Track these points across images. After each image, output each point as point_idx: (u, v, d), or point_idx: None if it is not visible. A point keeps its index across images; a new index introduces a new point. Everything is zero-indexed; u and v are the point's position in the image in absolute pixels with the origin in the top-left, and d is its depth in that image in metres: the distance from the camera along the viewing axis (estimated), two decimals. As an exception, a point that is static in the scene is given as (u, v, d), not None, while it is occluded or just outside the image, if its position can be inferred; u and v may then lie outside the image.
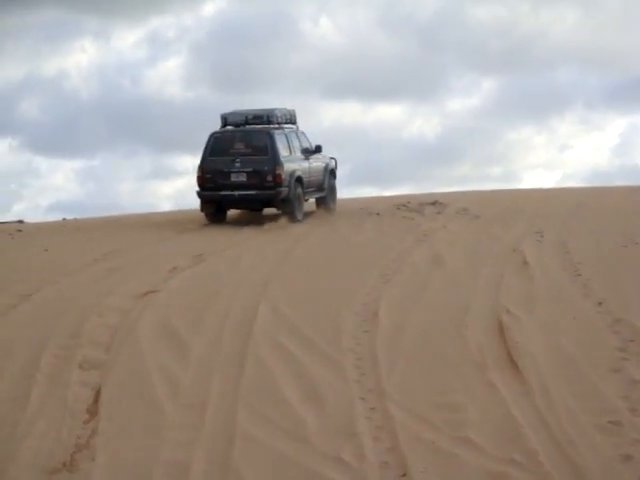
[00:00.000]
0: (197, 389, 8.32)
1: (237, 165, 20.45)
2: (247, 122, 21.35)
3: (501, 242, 15.84)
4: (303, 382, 8.39)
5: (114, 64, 62.89)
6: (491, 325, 10.03)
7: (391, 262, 14.06)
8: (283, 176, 20.27)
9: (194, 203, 21.13)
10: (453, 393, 7.99)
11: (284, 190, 20.30)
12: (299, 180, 20.87)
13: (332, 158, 23.45)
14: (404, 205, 22.03)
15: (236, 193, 20.44)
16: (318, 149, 22.29)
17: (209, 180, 20.52)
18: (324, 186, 22.53)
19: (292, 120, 22.20)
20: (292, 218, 20.36)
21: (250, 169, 20.35)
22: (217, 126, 21.45)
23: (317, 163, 22.37)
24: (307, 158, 21.82)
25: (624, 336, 9.38)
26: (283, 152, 20.66)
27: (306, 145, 22.10)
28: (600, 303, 10.81)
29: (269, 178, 20.23)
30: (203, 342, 9.73)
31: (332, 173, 23.23)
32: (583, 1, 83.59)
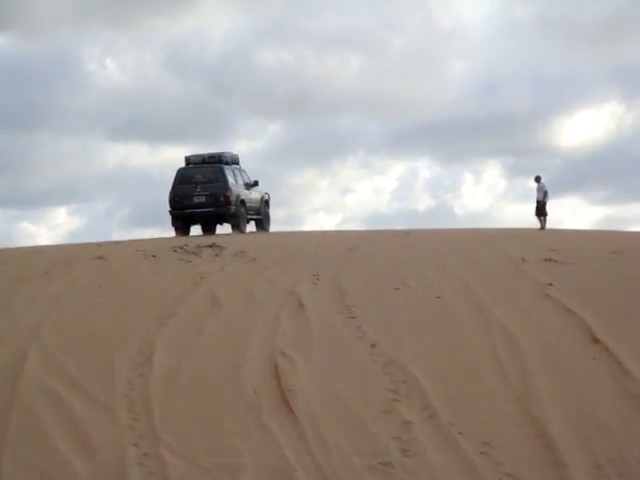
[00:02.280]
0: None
1: (198, 190, 28.31)
2: (204, 161, 29.09)
3: (278, 285, 15.93)
4: (74, 429, 8.13)
5: None
6: (267, 368, 10.04)
7: (167, 305, 13.88)
8: (231, 198, 28.17)
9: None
10: (228, 437, 7.93)
11: (232, 208, 28.25)
12: (243, 202, 28.83)
13: (267, 193, 31.34)
14: (181, 247, 21.82)
15: (197, 210, 28.33)
16: (256, 183, 30.43)
17: (177, 202, 28.27)
18: (261, 211, 30.54)
19: (236, 161, 30.20)
20: (239, 229, 28.21)
21: (207, 193, 28.27)
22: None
23: (255, 193, 30.30)
24: (248, 188, 29.70)
25: (396, 377, 9.58)
26: (231, 181, 28.60)
27: (247, 180, 29.96)
28: (373, 345, 11.02)
29: (222, 199, 28.08)
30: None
31: (266, 203, 31.28)
32: (366, 49, 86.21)
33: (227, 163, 29.37)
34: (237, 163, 30.27)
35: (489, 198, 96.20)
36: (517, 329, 11.67)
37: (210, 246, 21.85)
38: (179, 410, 8.64)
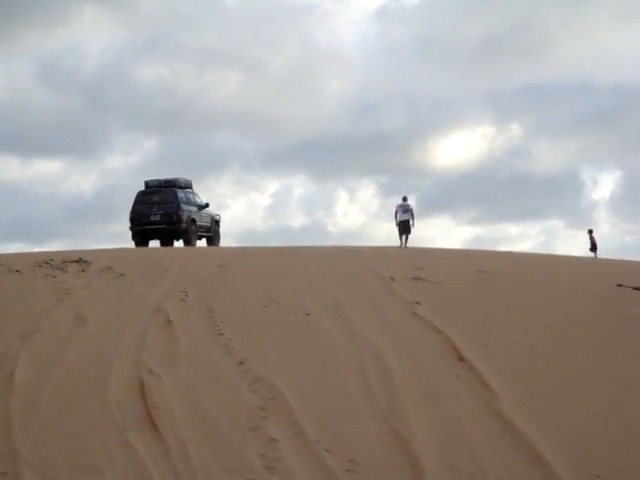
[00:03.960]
0: None
1: (154, 210, 33.07)
2: (160, 185, 33.93)
3: (145, 301, 15.72)
4: None
5: None
6: (132, 385, 9.88)
7: (30, 320, 13.54)
8: (183, 217, 33.10)
9: None
10: (91, 456, 7.75)
11: (184, 225, 33.19)
12: (193, 221, 33.84)
13: (217, 214, 36.85)
14: (47, 262, 21.34)
15: (154, 227, 33.19)
16: (207, 205, 35.52)
17: (136, 220, 33.25)
18: (211, 229, 35.69)
19: (189, 185, 35.26)
20: (190, 244, 33.21)
21: (162, 212, 33.01)
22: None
23: (206, 214, 35.41)
24: (199, 210, 34.68)
25: (263, 394, 9.54)
26: (183, 202, 33.47)
27: (198, 202, 35.03)
28: (241, 362, 10.96)
29: (174, 217, 32.98)
30: None
31: (217, 222, 36.57)
32: (244, 66, 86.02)
33: (180, 187, 34.35)
34: (190, 187, 35.36)
35: (363, 216, 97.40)
36: (385, 347, 11.77)
37: (76, 261, 21.45)
38: (40, 427, 8.41)
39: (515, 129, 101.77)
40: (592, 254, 38.11)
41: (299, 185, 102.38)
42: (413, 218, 34.68)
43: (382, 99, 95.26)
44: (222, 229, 37.54)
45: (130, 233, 33.85)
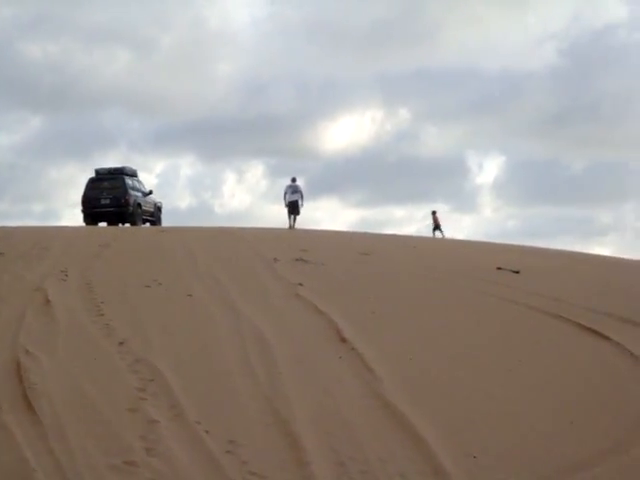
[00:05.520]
0: None
1: (104, 194, 36.46)
2: (109, 172, 37.27)
3: (24, 280, 15.39)
4: None
5: None
6: (9, 366, 9.65)
7: None
8: (130, 200, 36.43)
9: None
10: (-36, 438, 7.53)
11: (130, 208, 36.44)
12: (139, 205, 37.29)
13: (160, 201, 40.62)
14: None
15: (103, 210, 36.48)
16: (150, 192, 39.07)
17: (87, 203, 36.67)
18: (154, 215, 39.19)
19: (135, 174, 38.67)
20: (136, 225, 36.00)
21: (111, 196, 36.37)
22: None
23: (150, 200, 39.01)
24: (144, 196, 38.27)
25: (144, 376, 9.43)
26: (130, 188, 36.81)
27: (143, 189, 38.54)
28: (121, 343, 10.82)
29: (122, 201, 36.25)
30: None
31: (159, 209, 40.14)
32: (134, 45, 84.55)
33: (127, 175, 37.74)
34: (135, 176, 38.76)
35: (250, 197, 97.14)
36: (267, 328, 11.76)
37: (-47, 239, 20.91)
38: None
39: (403, 113, 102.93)
40: (437, 234, 40.04)
41: (187, 166, 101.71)
42: (302, 199, 35.25)
43: (272, 81, 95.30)
44: None
45: (82, 215, 37.09)
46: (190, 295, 14.19)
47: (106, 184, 36.84)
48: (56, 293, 14.01)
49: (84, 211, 36.96)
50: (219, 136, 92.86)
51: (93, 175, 37.79)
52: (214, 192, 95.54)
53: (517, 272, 18.84)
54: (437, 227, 41.26)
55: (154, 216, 39.29)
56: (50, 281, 15.24)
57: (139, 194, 37.89)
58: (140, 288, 14.84)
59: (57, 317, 12.26)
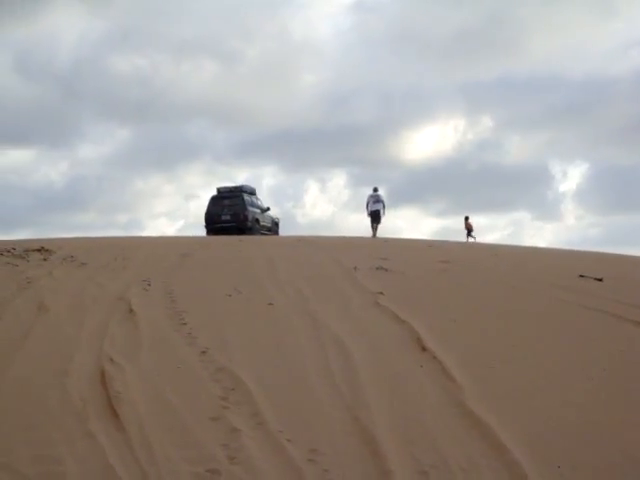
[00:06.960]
0: None
1: (225, 211, 40.28)
2: (231, 190, 41.06)
3: (107, 290, 15.64)
4: None
5: None
6: (94, 374, 9.81)
7: (-9, 309, 13.42)
8: (248, 216, 40.20)
9: None
10: (52, 445, 7.68)
11: (249, 223, 40.17)
12: (257, 220, 41.13)
13: (277, 217, 44.97)
14: (8, 251, 21.18)
15: (224, 224, 39.66)
16: (268, 208, 43.17)
17: (210, 219, 40.67)
18: (272, 229, 43.00)
19: (253, 192, 42.42)
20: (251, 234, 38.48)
21: (232, 212, 40.18)
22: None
23: (268, 215, 42.99)
24: (262, 212, 42.12)
25: (226, 384, 9.51)
26: (248, 205, 40.50)
27: (261, 205, 42.30)
28: (203, 352, 10.93)
29: (241, 216, 40.05)
30: None
31: (276, 224, 44.33)
32: (220, 57, 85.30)
33: (246, 192, 41.51)
34: (254, 193, 42.67)
35: (332, 207, 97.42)
36: (347, 337, 11.78)
37: (38, 250, 21.32)
38: (0, 418, 8.33)
39: (486, 122, 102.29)
40: (471, 239, 40.29)
41: (269, 176, 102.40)
42: (384, 208, 35.76)
43: (355, 91, 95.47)
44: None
45: (205, 230, 40.84)
46: (271, 304, 14.27)
47: (227, 201, 40.51)
48: (139, 302, 14.21)
49: (207, 226, 40.60)
50: (302, 146, 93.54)
51: (215, 193, 41.44)
52: (296, 202, 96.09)
53: (600, 280, 18.57)
54: (469, 232, 42.03)
55: (272, 230, 42.89)
56: (133, 291, 15.47)
57: (257, 210, 41.50)
58: (221, 297, 14.97)
59: (140, 326, 12.44)
